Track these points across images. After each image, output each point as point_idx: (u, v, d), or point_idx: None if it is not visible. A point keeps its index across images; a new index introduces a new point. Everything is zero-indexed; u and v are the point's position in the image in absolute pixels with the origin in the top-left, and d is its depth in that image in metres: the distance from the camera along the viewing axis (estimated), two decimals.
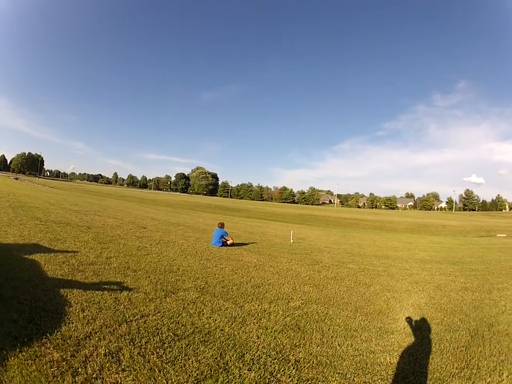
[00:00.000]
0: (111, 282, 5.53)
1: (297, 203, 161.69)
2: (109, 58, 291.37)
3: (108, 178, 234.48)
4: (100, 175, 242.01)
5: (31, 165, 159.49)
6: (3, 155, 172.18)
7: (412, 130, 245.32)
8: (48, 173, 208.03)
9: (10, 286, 4.64)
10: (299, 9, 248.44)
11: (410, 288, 7.64)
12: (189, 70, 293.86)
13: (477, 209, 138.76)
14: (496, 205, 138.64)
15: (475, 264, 12.20)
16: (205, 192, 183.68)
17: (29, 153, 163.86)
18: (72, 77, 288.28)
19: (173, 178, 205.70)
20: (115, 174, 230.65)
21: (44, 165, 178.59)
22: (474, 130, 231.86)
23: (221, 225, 11.72)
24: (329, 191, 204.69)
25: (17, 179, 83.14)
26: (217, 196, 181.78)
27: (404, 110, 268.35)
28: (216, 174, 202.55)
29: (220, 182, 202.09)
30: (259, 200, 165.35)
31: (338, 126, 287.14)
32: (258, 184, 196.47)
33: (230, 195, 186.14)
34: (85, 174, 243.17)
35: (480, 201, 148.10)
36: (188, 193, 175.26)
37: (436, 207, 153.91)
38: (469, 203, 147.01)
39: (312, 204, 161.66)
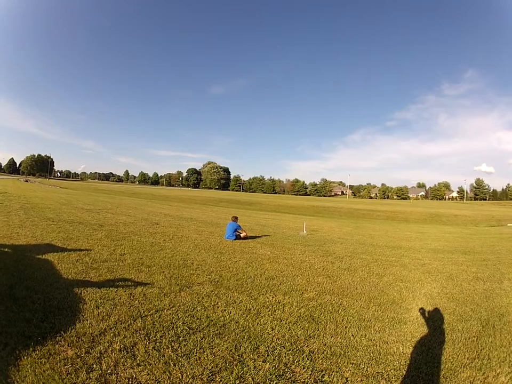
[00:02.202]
0: (125, 279, 5.60)
1: (309, 195, 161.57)
2: (116, 54, 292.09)
3: (119, 176, 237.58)
4: (111, 173, 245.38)
5: (41, 166, 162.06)
6: (12, 158, 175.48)
7: (422, 120, 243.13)
8: (59, 174, 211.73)
9: (23, 286, 4.74)
10: None
11: (423, 278, 7.66)
12: (197, 63, 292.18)
13: (487, 199, 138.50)
14: (507, 194, 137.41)
15: (486, 254, 12.14)
16: (217, 187, 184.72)
17: (39, 155, 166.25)
18: (78, 74, 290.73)
19: (185, 174, 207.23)
20: (126, 171, 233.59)
21: (54, 166, 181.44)
22: (483, 119, 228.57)
23: (235, 219, 11.78)
24: (341, 182, 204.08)
25: (27, 181, 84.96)
26: (229, 190, 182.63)
27: (413, 100, 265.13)
28: (228, 168, 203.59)
29: (231, 176, 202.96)
30: (271, 193, 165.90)
31: (348, 117, 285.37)
32: (270, 177, 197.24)
33: (242, 189, 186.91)
34: (95, 173, 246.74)
35: (491, 190, 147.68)
36: (200, 188, 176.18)
37: (447, 197, 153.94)
38: (479, 192, 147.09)
39: (324, 196, 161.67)
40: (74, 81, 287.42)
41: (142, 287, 5.16)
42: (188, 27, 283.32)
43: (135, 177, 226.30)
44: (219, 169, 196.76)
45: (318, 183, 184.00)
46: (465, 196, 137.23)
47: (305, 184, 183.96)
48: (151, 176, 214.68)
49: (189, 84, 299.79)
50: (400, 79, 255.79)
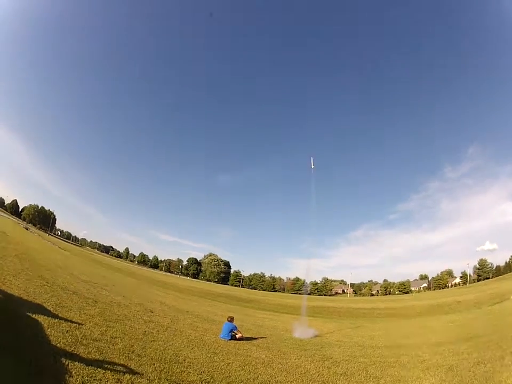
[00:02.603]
0: (114, 363, 5.45)
1: (310, 294, 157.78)
2: (127, 129, 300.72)
3: (119, 252, 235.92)
4: (111, 247, 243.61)
5: (43, 219, 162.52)
6: (15, 200, 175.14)
7: (424, 209, 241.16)
8: (59, 232, 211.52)
9: (10, 337, 4.78)
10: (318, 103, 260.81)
11: (422, 375, 7.59)
12: (206, 150, 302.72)
13: (491, 276, 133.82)
14: (510, 267, 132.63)
15: (488, 335, 12.24)
16: (216, 280, 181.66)
17: (42, 207, 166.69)
18: (84, 134, 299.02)
19: (185, 262, 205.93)
20: (126, 249, 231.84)
21: (55, 223, 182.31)
22: (485, 195, 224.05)
23: (231, 319, 11.69)
24: (342, 280, 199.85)
25: (27, 229, 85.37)
26: (228, 284, 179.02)
27: (416, 189, 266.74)
28: (228, 262, 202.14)
29: (232, 271, 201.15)
30: (271, 291, 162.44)
31: (352, 213, 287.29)
32: (271, 274, 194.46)
33: (242, 285, 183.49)
34: (96, 243, 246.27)
35: (494, 267, 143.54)
36: (199, 279, 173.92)
37: (450, 284, 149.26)
38: (482, 272, 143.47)
39: (325, 295, 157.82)
40: (83, 145, 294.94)
41: (131, 376, 5.00)
42: (198, 113, 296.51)
43: (134, 256, 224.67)
44: (220, 263, 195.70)
45: (319, 282, 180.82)
46: (468, 280, 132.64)
47: (306, 283, 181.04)
48: (151, 258, 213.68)
49: (196, 172, 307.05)
50: (402, 170, 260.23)
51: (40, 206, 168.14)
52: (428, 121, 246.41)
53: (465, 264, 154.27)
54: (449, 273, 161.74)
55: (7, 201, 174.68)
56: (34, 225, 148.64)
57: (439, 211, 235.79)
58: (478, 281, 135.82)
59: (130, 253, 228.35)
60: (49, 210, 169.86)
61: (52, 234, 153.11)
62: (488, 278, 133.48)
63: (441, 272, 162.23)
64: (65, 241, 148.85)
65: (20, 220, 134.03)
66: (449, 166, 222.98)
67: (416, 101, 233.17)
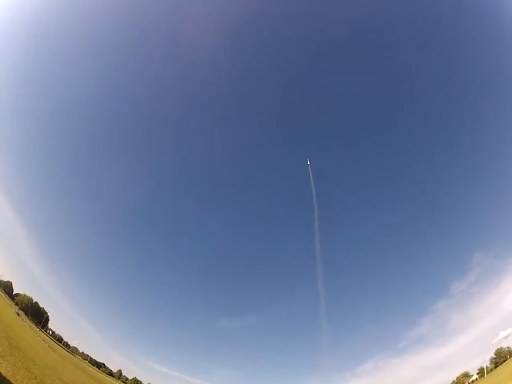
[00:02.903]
0: None
1: None
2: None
3: (111, 371, 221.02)
4: (104, 364, 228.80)
5: (36, 314, 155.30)
6: (11, 282, 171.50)
7: (435, 329, 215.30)
8: (51, 332, 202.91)
9: None
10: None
11: None
12: (209, 293, 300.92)
13: (508, 357, 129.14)
14: None
15: None
16: None
17: (36, 302, 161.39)
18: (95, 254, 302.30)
19: None
20: (119, 370, 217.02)
21: (48, 322, 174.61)
22: (494, 293, 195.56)
23: None
24: None
25: (18, 314, 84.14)
26: None
27: (426, 312, 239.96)
28: None
29: None
30: None
31: (361, 348, 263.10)
32: None
33: None
34: (88, 355, 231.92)
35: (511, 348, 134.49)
36: None
37: (467, 383, 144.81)
38: (499, 358, 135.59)
39: None
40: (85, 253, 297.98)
41: None
42: (207, 255, 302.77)
43: (127, 378, 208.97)
44: None
45: None
46: (485, 371, 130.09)
47: None
48: None
49: (198, 312, 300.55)
50: (410, 297, 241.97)
51: (34, 301, 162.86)
52: (431, 243, 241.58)
53: (481, 361, 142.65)
54: (466, 374, 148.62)
55: (2, 278, 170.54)
56: (26, 315, 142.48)
57: (449, 326, 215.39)
58: (496, 367, 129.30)
59: (123, 375, 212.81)
60: (43, 308, 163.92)
61: (43, 331, 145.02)
62: (506, 360, 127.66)
63: (457, 378, 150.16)
64: (56, 343, 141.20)
65: (12, 302, 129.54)
66: (456, 282, 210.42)
67: (418, 223, 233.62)
